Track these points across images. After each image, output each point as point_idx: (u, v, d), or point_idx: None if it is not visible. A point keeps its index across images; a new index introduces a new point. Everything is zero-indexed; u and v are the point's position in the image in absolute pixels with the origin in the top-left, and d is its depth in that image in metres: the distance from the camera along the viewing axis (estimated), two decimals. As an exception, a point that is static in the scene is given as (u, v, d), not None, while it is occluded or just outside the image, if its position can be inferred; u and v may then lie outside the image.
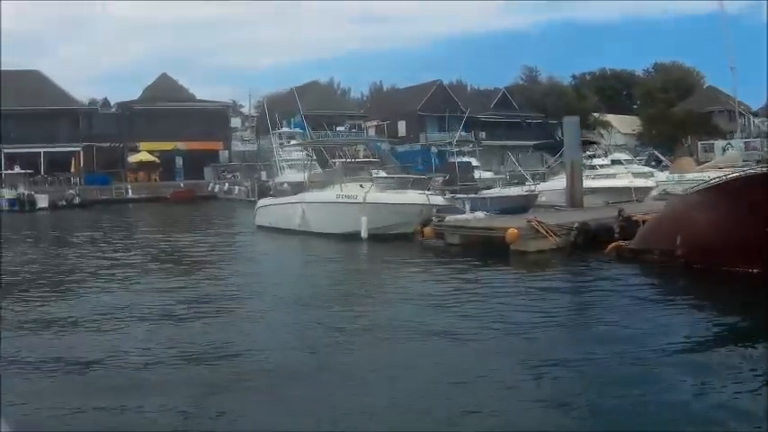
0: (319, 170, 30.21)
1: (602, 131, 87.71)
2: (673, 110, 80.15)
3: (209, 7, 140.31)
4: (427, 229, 19.51)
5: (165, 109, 61.62)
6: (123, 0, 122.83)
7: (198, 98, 66.65)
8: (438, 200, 21.18)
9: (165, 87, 65.70)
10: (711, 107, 77.11)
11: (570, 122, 26.84)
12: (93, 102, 70.06)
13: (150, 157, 59.40)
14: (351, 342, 9.35)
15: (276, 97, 79.13)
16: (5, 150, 58.16)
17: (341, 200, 21.71)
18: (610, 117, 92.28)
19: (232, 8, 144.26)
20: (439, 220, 19.87)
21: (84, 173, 57.36)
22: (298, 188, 52.87)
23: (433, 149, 71.39)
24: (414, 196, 21.28)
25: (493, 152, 68.33)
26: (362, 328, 10.16)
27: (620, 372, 7.62)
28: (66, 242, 26.08)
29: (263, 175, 59.79)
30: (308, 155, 57.55)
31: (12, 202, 46.91)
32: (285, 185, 53.50)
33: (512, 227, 16.81)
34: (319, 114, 62.54)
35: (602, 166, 32.58)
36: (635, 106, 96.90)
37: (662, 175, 34.74)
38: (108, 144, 59.74)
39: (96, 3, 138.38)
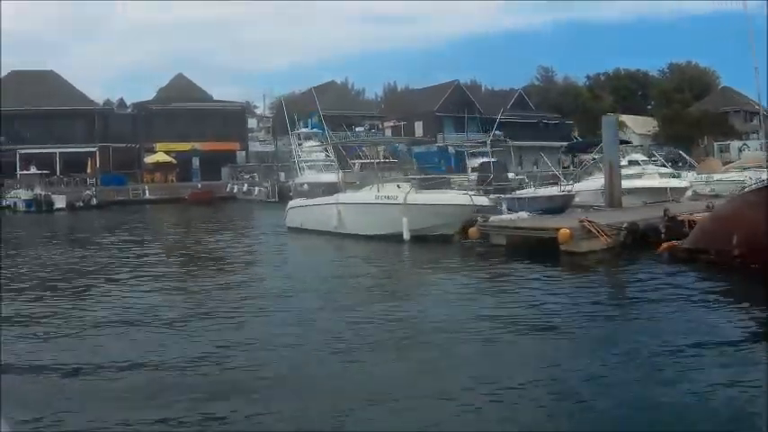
0: (352, 171, 28.85)
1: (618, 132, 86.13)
2: (688, 110, 79.12)
3: (215, 8, 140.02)
4: (472, 230, 18.75)
5: (181, 109, 60.90)
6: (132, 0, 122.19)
7: (214, 98, 65.66)
8: (482, 200, 20.27)
9: (180, 87, 64.96)
10: (727, 107, 76.25)
11: (608, 122, 26.16)
12: (107, 103, 69.38)
13: (167, 158, 58.64)
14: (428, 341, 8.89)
15: (291, 98, 78.44)
16: (20, 151, 57.53)
17: (380, 201, 20.86)
18: (624, 117, 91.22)
19: (238, 8, 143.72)
20: (484, 221, 19.14)
21: (100, 174, 56.59)
22: (317, 189, 52.30)
23: (451, 150, 70.58)
24: (456, 197, 20.49)
25: (511, 153, 67.45)
26: (434, 329, 9.56)
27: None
28: (95, 244, 25.06)
29: (282, 176, 59.09)
30: (327, 156, 57.17)
31: (29, 203, 46.18)
32: (305, 186, 52.99)
33: (564, 227, 16.01)
34: (337, 115, 61.58)
35: (620, 167, 31.97)
36: (649, 107, 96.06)
37: (689, 176, 33.94)
38: (124, 145, 58.98)
39: (106, 3, 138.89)
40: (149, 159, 59.15)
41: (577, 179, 29.10)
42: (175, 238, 27.82)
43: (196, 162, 60.54)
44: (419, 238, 19.45)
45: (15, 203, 47.38)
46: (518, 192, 27.19)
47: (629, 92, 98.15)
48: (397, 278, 15.17)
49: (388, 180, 21.77)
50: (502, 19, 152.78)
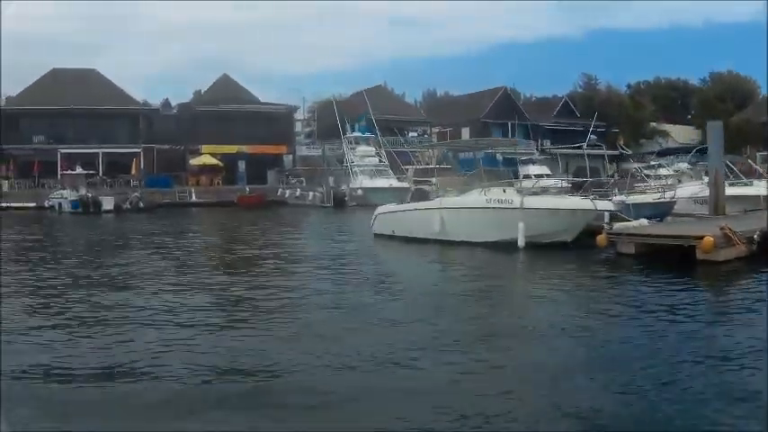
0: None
1: (660, 141, 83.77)
2: (731, 119, 76.27)
3: (248, 11, 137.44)
4: (600, 237, 16.80)
5: (228, 111, 57.66)
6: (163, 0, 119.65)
7: (261, 101, 62.27)
8: (606, 205, 18.84)
9: (226, 89, 61.63)
10: (768, 117, 73.37)
11: (714, 128, 24.66)
12: (144, 103, 66.13)
13: (213, 161, 55.30)
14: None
15: (328, 102, 75.24)
16: (62, 150, 54.33)
17: (493, 205, 19.02)
18: (666, 126, 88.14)
19: (264, 12, 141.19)
20: (610, 228, 17.48)
21: (145, 175, 53.23)
22: (372, 194, 48.98)
23: (499, 157, 67.02)
24: (578, 201, 19.03)
25: (558, 161, 64.26)
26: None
27: None
28: (181, 248, 21.85)
29: (330, 181, 55.91)
30: (381, 160, 53.75)
31: (75, 204, 42.89)
32: (359, 192, 49.67)
33: (706, 235, 14.52)
34: (386, 119, 58.21)
35: (667, 176, 32.41)
36: (689, 116, 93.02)
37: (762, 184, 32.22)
38: (168, 146, 55.58)
39: (138, 4, 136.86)
40: (195, 161, 55.78)
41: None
42: (259, 243, 24.28)
43: (242, 165, 57.23)
44: (534, 246, 17.61)
45: (60, 204, 43.99)
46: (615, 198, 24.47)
47: (669, 100, 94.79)
48: (536, 297, 12.20)
49: (493, 184, 19.98)
50: (532, 26, 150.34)
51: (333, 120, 66.97)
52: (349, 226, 33.78)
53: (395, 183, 51.28)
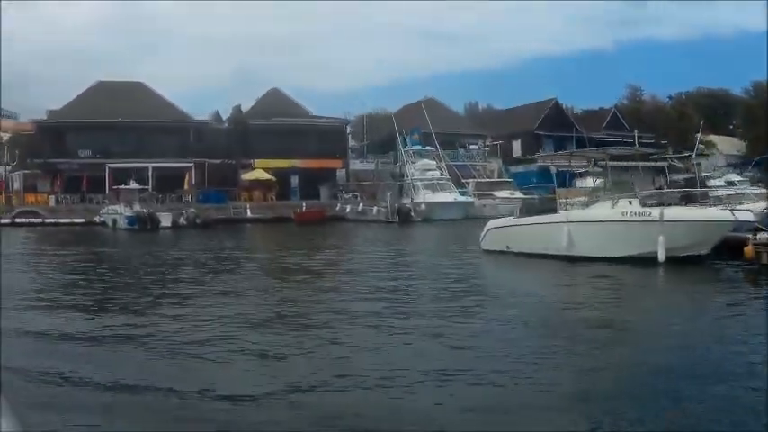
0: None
1: (706, 152, 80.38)
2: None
3: (277, 26, 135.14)
4: (747, 249, 16.12)
5: (281, 125, 54.36)
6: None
7: (312, 114, 58.95)
8: (746, 215, 17.49)
9: (276, 102, 58.42)
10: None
11: None
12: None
13: (266, 176, 52.01)
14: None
15: (379, 115, 72.04)
16: (110, 165, 51.10)
17: (630, 218, 17.85)
18: (711, 137, 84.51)
19: (298, 27, 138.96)
20: (754, 239, 16.42)
21: (197, 190, 49.91)
22: (436, 208, 45.28)
23: (552, 170, 63.53)
24: (718, 212, 18.29)
25: (608, 173, 60.53)
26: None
27: None
28: (277, 268, 18.63)
29: (388, 196, 52.46)
30: (442, 174, 50.19)
31: (131, 221, 39.51)
32: (422, 206, 46.21)
33: None
34: (440, 132, 54.71)
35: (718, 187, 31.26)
36: (731, 126, 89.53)
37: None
38: (220, 161, 52.22)
39: (172, 19, 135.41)
40: (247, 176, 52.48)
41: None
42: (363, 266, 20.66)
43: (295, 180, 53.85)
44: (674, 260, 16.39)
45: (115, 221, 40.60)
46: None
47: (710, 111, 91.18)
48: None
49: (620, 196, 18.95)
50: (562, 40, 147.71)
51: (380, 134, 63.90)
52: (433, 242, 30.76)
53: (459, 197, 47.93)
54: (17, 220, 47.50)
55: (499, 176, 54.66)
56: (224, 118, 58.10)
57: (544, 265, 17.93)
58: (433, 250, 26.35)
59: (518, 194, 51.81)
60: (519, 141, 64.73)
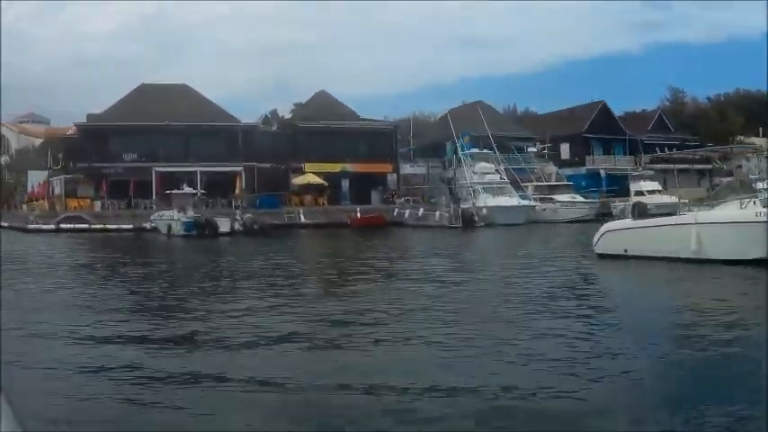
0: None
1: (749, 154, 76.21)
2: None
3: (307, 33, 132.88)
4: None
5: (332, 128, 51.53)
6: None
7: (360, 117, 56.09)
8: None
9: (323, 105, 55.58)
10: None
11: None
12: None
13: (318, 179, 49.22)
14: None
15: (418, 120, 69.26)
16: (157, 169, 48.38)
17: (763, 219, 16.35)
18: (754, 139, 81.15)
19: (324, 34, 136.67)
20: None
21: (247, 194, 47.12)
22: (498, 213, 42.40)
23: (602, 173, 60.76)
24: None
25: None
26: None
27: None
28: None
29: (443, 200, 49.63)
30: (501, 178, 47.23)
31: (188, 226, 36.73)
32: (483, 210, 43.29)
33: None
34: (490, 135, 51.77)
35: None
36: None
37: None
38: (269, 164, 49.37)
39: (199, 26, 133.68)
40: (298, 180, 49.68)
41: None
42: (480, 272, 18.20)
43: (345, 184, 50.96)
44: None
45: (170, 226, 37.78)
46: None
47: (750, 112, 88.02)
48: None
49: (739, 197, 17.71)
50: (589, 44, 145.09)
51: (424, 137, 61.13)
52: (515, 247, 28.00)
53: (522, 201, 45.06)
54: (62, 226, 45.05)
55: (557, 180, 51.63)
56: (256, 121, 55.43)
57: (674, 269, 16.16)
58: (542, 255, 23.67)
59: (579, 198, 49.00)
60: (567, 145, 61.58)
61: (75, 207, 49.46)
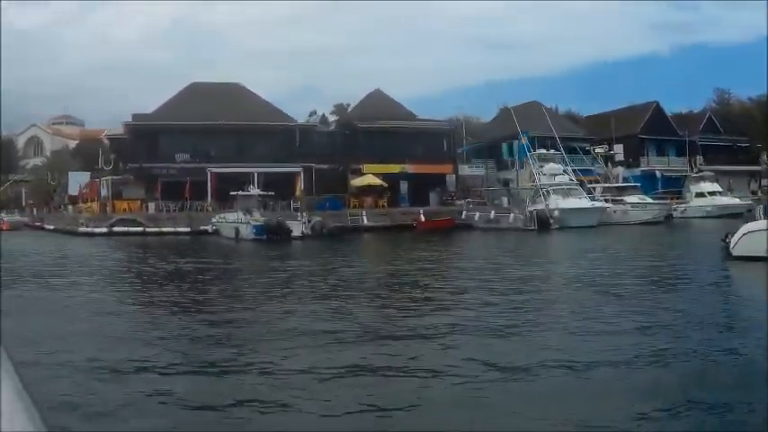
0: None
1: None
2: None
3: (339, 37, 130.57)
4: None
5: (391, 128, 48.89)
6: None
7: (417, 117, 53.38)
8: None
9: (379, 104, 52.83)
10: None
11: None
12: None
13: (378, 181, 46.57)
14: None
15: (470, 121, 66.55)
16: (212, 170, 45.81)
17: None
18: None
19: (363, 38, 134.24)
20: None
21: (306, 196, 44.48)
22: (570, 215, 39.63)
23: (657, 174, 57.98)
24: None
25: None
26: None
27: None
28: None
29: (505, 202, 46.81)
30: (571, 179, 44.45)
31: (259, 230, 34.12)
32: (555, 213, 40.55)
33: None
34: (546, 136, 49.05)
35: None
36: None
37: None
38: (327, 165, 46.70)
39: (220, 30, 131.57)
40: (357, 182, 47.00)
41: None
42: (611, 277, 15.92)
43: (404, 186, 48.26)
44: None
45: (238, 230, 35.14)
46: None
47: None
48: None
49: None
50: (618, 46, 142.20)
51: (484, 138, 58.59)
52: (623, 250, 25.89)
53: (596, 203, 42.36)
54: (115, 229, 42.48)
55: (624, 181, 48.86)
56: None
57: None
58: (673, 257, 21.11)
59: (648, 199, 46.31)
60: (621, 145, 58.75)
61: (123, 209, 47.01)
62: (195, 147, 47.81)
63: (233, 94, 50.35)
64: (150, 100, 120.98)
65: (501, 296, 13.18)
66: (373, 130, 48.63)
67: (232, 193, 38.78)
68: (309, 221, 37.02)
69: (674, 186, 55.06)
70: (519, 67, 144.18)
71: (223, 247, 31.67)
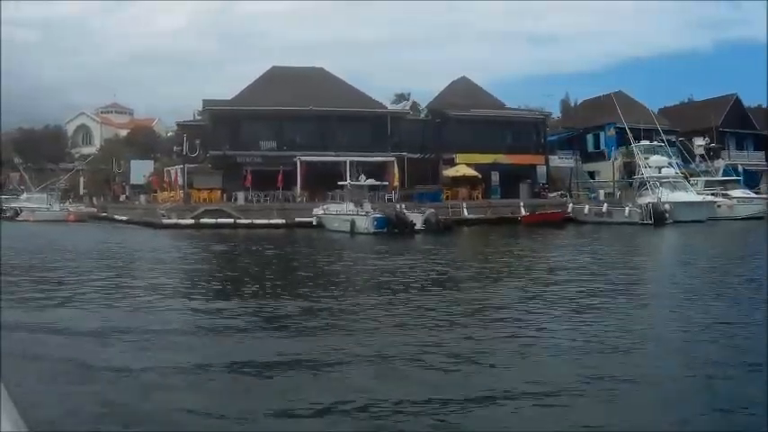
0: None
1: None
2: None
3: (373, 29, 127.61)
4: None
5: (483, 117, 46.07)
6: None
7: (506, 105, 50.52)
8: None
9: (468, 92, 49.97)
10: None
11: None
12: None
13: (471, 172, 44.11)
14: None
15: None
16: (302, 158, 43.24)
17: None
18: None
19: (409, 30, 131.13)
20: None
21: (401, 187, 41.80)
22: (682, 209, 36.87)
23: (740, 168, 54.99)
24: None
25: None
26: None
27: None
28: None
29: (601, 195, 44.05)
30: (677, 172, 41.69)
31: (380, 223, 31.52)
32: (666, 206, 37.83)
33: None
34: (633, 127, 46.12)
35: None
36: None
37: None
38: (418, 155, 43.90)
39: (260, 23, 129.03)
40: (449, 172, 44.31)
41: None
42: None
43: (496, 177, 45.46)
44: None
45: (354, 223, 32.26)
46: None
47: None
48: None
49: None
50: (656, 42, 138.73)
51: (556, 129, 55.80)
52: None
53: (707, 197, 39.61)
54: (202, 221, 39.17)
55: (725, 175, 46.03)
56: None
57: None
58: None
59: (752, 194, 43.58)
60: (700, 138, 55.79)
61: (203, 200, 43.91)
62: (279, 134, 45.03)
63: (315, 78, 47.58)
64: (194, 90, 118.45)
65: None
66: (465, 119, 45.80)
67: (340, 183, 36.09)
68: (424, 213, 34.20)
69: (752, 181, 52.37)
70: (557, 60, 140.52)
71: (359, 243, 28.70)
